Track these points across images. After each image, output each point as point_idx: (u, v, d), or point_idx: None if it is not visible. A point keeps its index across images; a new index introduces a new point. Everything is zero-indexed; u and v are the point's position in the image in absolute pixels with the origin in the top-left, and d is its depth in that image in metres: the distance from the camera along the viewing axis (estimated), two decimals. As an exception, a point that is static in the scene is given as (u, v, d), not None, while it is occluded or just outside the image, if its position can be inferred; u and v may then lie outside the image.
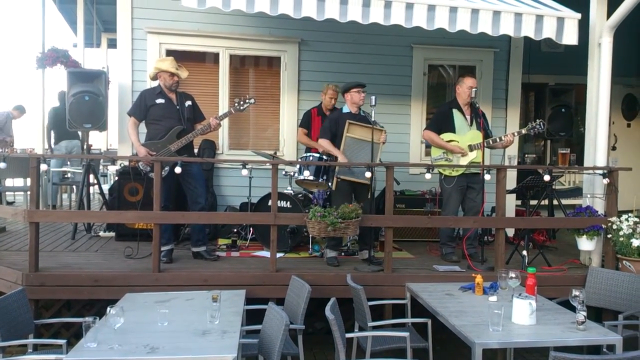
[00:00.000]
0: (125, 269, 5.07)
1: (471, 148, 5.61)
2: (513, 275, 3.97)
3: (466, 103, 5.68)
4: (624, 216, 5.20)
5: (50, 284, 4.74)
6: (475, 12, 4.98)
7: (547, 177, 5.35)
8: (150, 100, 5.35)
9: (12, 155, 6.63)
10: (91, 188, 7.35)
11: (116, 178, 6.53)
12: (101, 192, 7.22)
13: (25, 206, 8.02)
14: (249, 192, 6.38)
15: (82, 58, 9.94)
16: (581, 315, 3.42)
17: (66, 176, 9.09)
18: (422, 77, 7.52)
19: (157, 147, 5.27)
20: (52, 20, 10.88)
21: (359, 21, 4.88)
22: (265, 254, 5.66)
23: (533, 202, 6.27)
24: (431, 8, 4.91)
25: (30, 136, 10.35)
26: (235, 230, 6.56)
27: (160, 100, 5.34)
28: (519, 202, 7.56)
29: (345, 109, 5.65)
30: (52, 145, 8.48)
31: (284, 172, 6.16)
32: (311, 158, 6.02)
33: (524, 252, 5.25)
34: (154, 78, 5.47)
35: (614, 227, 5.17)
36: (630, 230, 5.09)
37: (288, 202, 5.91)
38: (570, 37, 5.16)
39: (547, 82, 8.31)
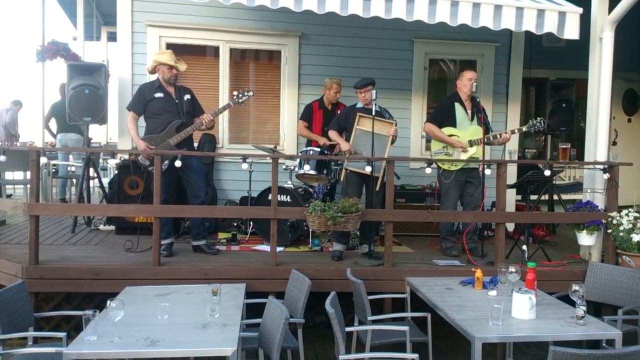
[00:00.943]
0: (125, 262, 5.07)
1: (471, 143, 5.60)
2: (513, 270, 3.97)
3: (468, 97, 5.67)
4: (624, 211, 5.19)
5: (50, 277, 4.74)
6: (476, 6, 4.96)
7: (547, 172, 5.34)
8: (149, 94, 5.33)
9: (12, 149, 6.64)
10: (91, 182, 7.34)
11: (116, 171, 6.52)
12: (101, 186, 7.22)
13: (25, 199, 8.02)
14: (249, 186, 6.38)
15: (82, 51, 9.90)
16: (581, 310, 3.42)
17: (72, 170, 9.11)
18: (423, 72, 7.50)
19: (156, 141, 5.25)
20: (52, 13, 10.85)
21: (359, 15, 4.86)
22: (266, 247, 5.66)
23: (533, 197, 6.27)
24: (432, 2, 4.89)
25: (29, 129, 10.35)
26: (235, 224, 6.56)
27: (159, 94, 5.32)
28: (519, 197, 7.55)
29: (359, 104, 5.69)
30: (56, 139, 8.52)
31: (284, 166, 6.16)
32: (311, 152, 6.03)
33: (524, 247, 5.25)
34: (153, 71, 5.44)
35: (614, 222, 5.17)
36: (631, 225, 5.08)
37: (288, 196, 5.91)
38: (571, 32, 5.15)
39: (548, 77, 8.30)
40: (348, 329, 3.65)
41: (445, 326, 3.78)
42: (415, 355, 3.28)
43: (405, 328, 3.80)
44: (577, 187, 8.42)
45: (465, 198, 5.75)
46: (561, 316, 3.61)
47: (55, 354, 3.42)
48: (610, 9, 5.44)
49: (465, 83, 5.63)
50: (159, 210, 4.90)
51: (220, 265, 5.07)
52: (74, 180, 8.71)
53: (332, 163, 5.94)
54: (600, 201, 5.53)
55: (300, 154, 6.33)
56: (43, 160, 4.85)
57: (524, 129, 5.67)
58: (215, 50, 7.14)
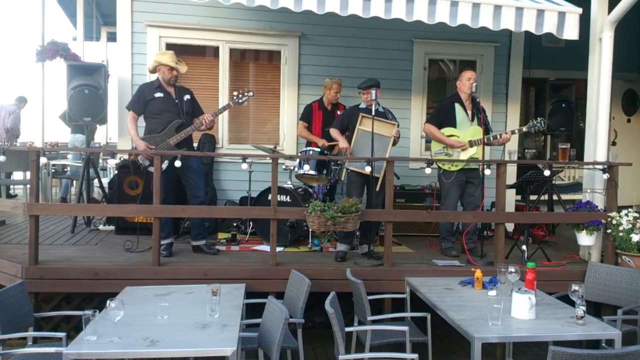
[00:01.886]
0: (125, 262, 5.07)
1: (472, 144, 5.60)
2: (512, 270, 3.98)
3: (468, 97, 5.67)
4: (624, 211, 5.19)
5: (49, 277, 4.74)
6: (476, 6, 4.96)
7: (547, 172, 5.34)
8: (149, 94, 5.33)
9: (12, 149, 6.64)
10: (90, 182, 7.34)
11: (116, 172, 6.52)
12: (101, 186, 7.21)
13: (25, 199, 8.02)
14: (249, 186, 6.38)
15: (81, 51, 9.89)
16: (580, 310, 3.42)
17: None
18: (422, 72, 7.50)
19: (156, 141, 5.26)
20: (52, 13, 10.87)
21: (359, 15, 4.86)
22: (265, 248, 5.66)
23: (533, 197, 6.27)
24: (432, 2, 4.89)
25: (29, 129, 10.36)
26: (235, 224, 6.56)
27: (159, 94, 5.32)
28: (519, 197, 7.55)
29: (362, 105, 5.69)
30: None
31: (283, 167, 6.16)
32: (311, 152, 6.03)
33: (524, 247, 5.26)
34: (153, 71, 5.45)
35: (614, 222, 5.17)
36: (630, 226, 5.08)
37: (288, 197, 5.91)
38: (571, 32, 5.15)
39: (548, 77, 8.29)
40: (348, 329, 3.65)
41: (445, 326, 3.78)
42: (415, 356, 3.28)
43: (405, 328, 3.81)
44: (576, 187, 8.42)
45: (465, 198, 5.75)
46: (561, 316, 3.61)
47: (55, 354, 3.42)
48: (610, 9, 5.44)
49: (465, 83, 5.64)
50: (159, 210, 4.90)
51: (220, 265, 5.07)
52: (74, 181, 8.73)
53: (332, 163, 5.94)
54: (599, 201, 5.53)
55: (300, 154, 6.33)
56: (43, 160, 4.85)
57: (524, 129, 5.68)
58: (215, 51, 7.14)
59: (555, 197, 6.82)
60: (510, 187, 6.32)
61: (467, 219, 5.52)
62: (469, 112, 5.69)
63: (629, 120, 9.73)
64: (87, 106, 6.39)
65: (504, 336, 3.42)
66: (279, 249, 5.33)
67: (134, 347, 2.95)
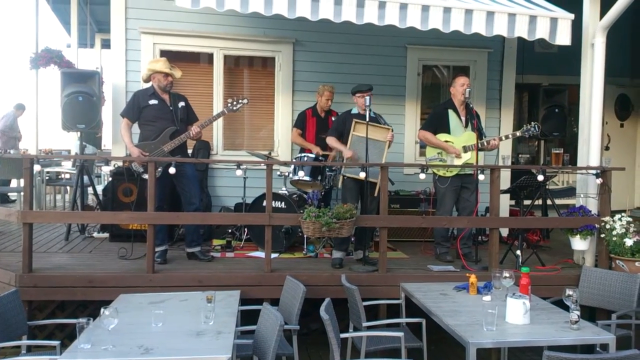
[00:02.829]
0: (119, 269, 5.05)
1: (465, 149, 5.62)
2: (507, 275, 3.97)
3: (461, 103, 5.69)
4: (617, 216, 5.21)
5: (43, 285, 4.72)
6: (469, 12, 4.99)
7: (540, 177, 5.36)
8: (143, 101, 5.33)
9: (6, 156, 6.63)
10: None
11: (110, 179, 6.51)
12: (95, 193, 7.20)
13: (19, 206, 7.99)
14: (244, 192, 6.38)
15: (75, 58, 9.89)
16: (575, 314, 3.43)
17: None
18: (416, 78, 7.53)
19: (150, 147, 5.25)
20: (46, 20, 10.91)
21: (353, 21, 4.88)
22: (260, 254, 5.65)
23: (527, 202, 6.29)
24: (425, 8, 4.92)
25: (24, 136, 10.36)
26: (229, 230, 6.55)
27: (153, 102, 5.32)
28: (513, 202, 7.58)
29: (354, 110, 5.68)
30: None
31: (278, 173, 6.16)
32: (306, 159, 6.03)
33: (518, 252, 5.27)
34: (147, 80, 5.44)
35: (607, 226, 5.20)
36: (624, 230, 5.11)
37: (282, 203, 5.91)
38: (563, 38, 5.18)
39: (541, 83, 8.35)
40: (343, 335, 3.65)
41: (440, 332, 3.78)
42: (410, 361, 3.28)
43: (400, 334, 3.80)
44: (570, 192, 8.44)
45: (460, 203, 5.76)
46: (555, 321, 3.62)
47: (49, 363, 3.41)
48: (602, 14, 5.48)
49: (458, 89, 5.66)
50: (153, 217, 4.90)
51: (215, 272, 5.06)
52: (67, 188, 8.72)
53: (327, 169, 5.94)
54: (593, 206, 5.55)
55: (294, 160, 6.33)
56: (36, 167, 4.83)
57: (518, 133, 5.70)
58: (210, 57, 7.15)
59: (549, 202, 6.84)
60: (504, 192, 6.35)
61: (461, 224, 5.53)
62: (463, 118, 5.71)
63: (622, 125, 9.78)
64: (81, 113, 6.38)
65: (499, 341, 3.42)
66: (273, 255, 5.33)
67: (128, 355, 2.94)
